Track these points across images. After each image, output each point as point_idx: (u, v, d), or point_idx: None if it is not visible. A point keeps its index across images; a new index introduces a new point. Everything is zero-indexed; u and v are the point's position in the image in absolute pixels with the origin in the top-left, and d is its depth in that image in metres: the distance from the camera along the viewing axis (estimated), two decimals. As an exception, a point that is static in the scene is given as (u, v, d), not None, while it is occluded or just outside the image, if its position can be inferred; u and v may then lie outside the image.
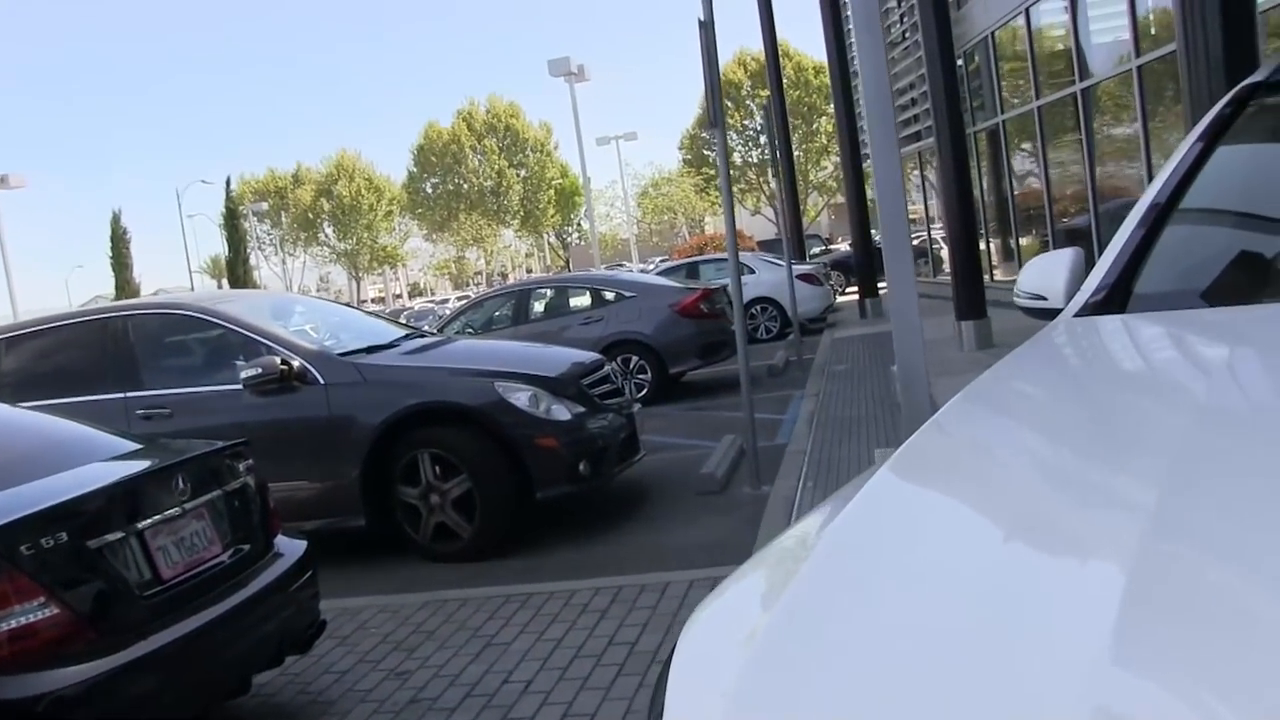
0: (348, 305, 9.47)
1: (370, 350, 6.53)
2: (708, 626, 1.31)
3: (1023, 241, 16.75)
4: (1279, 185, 2.43)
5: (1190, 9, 5.77)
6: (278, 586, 3.65)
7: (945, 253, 18.12)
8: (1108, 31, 12.68)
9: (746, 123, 51.37)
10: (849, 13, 22.31)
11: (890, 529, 1.31)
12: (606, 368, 7.12)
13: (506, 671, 4.13)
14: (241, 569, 3.57)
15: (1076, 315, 2.13)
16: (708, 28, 6.31)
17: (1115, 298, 2.13)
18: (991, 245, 17.45)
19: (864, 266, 20.04)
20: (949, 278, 13.38)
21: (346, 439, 6.00)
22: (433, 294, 72.26)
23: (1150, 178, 11.41)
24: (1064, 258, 2.40)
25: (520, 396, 6.08)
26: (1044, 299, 2.37)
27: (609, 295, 12.42)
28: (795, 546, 1.43)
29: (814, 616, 1.13)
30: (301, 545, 3.98)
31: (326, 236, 65.99)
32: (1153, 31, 11.34)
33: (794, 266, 16.24)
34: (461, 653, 4.41)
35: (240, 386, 6.05)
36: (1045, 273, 2.43)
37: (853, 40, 22.43)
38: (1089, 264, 2.41)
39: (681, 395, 11.90)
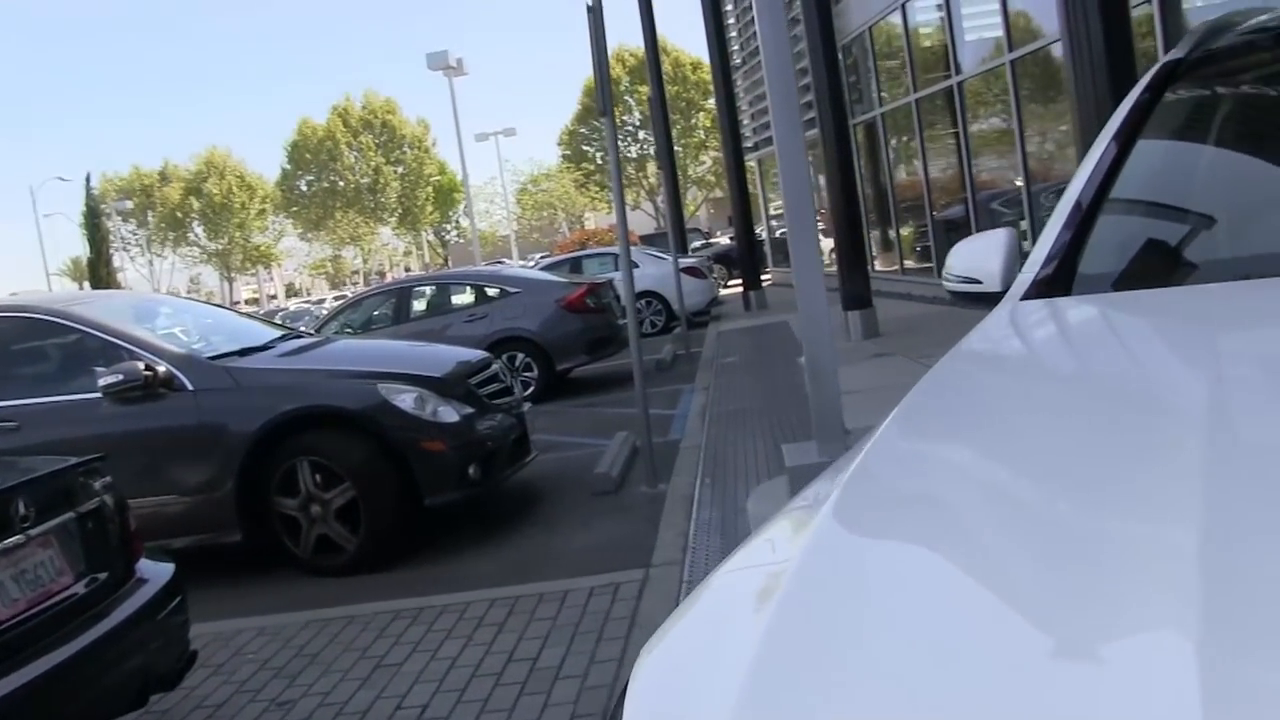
0: (219, 306, 8.99)
1: (244, 353, 6.17)
2: (661, 670, 1.11)
3: (902, 232, 17.01)
4: (1213, 157, 2.36)
5: (1073, 5, 5.95)
6: (141, 616, 3.29)
7: (824, 244, 18.33)
8: (982, 28, 12.93)
9: (625, 118, 51.30)
10: (729, 6, 22.47)
11: (872, 569, 1.10)
12: (494, 366, 6.88)
13: (399, 696, 3.85)
14: (98, 600, 3.20)
15: (1024, 298, 1.97)
16: (596, 12, 6.10)
17: (1060, 279, 1.99)
18: (871, 236, 17.67)
19: (747, 259, 20.13)
20: (831, 268, 13.47)
21: (219, 448, 5.62)
22: (309, 294, 70.48)
23: (1025, 168, 11.69)
24: (997, 239, 2.26)
25: (405, 399, 5.80)
26: (978, 282, 2.23)
27: (493, 292, 12.15)
28: (740, 585, 1.22)
29: (804, 661, 0.96)
30: (168, 569, 3.62)
31: (196, 236, 63.79)
32: (1025, 28, 11.59)
33: (679, 260, 16.19)
34: (349, 677, 4.11)
35: (99, 395, 5.62)
36: (978, 255, 2.29)
37: (733, 34, 22.67)
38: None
39: (570, 392, 11.69)
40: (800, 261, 3.96)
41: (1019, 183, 12.10)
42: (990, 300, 2.15)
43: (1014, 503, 1.12)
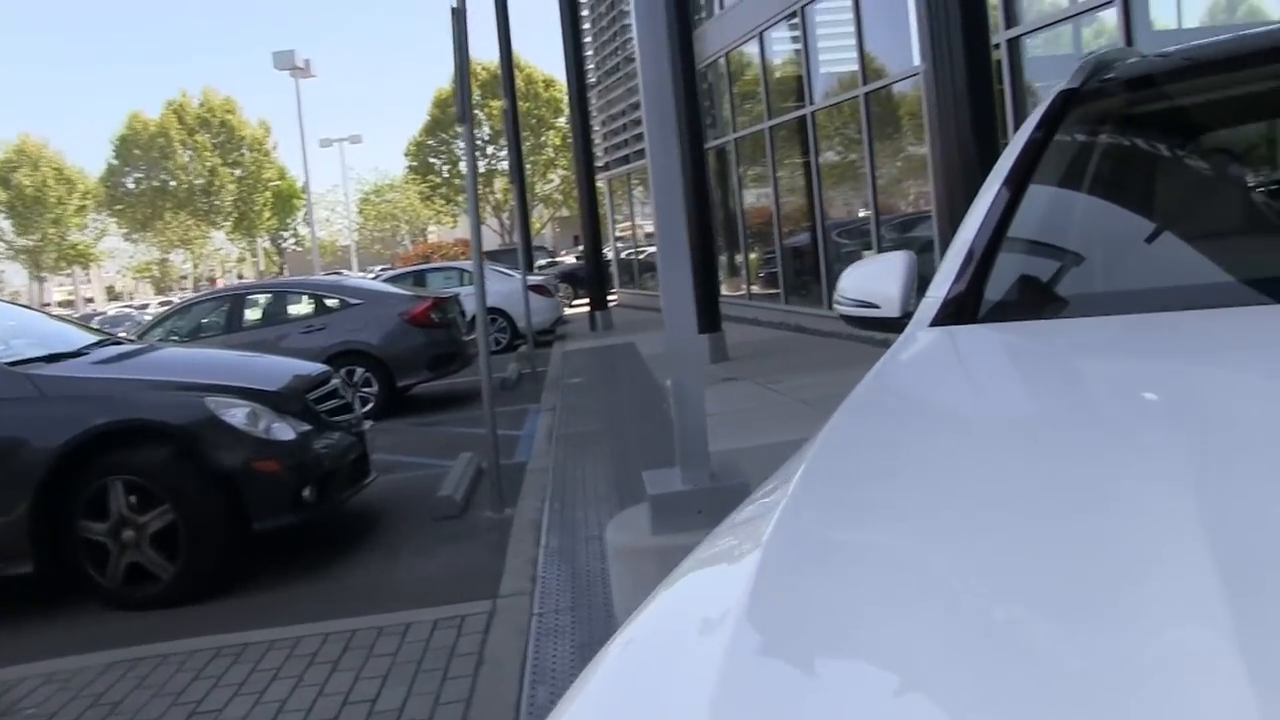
0: (25, 307, 8.28)
1: (52, 359, 5.65)
2: None
3: (750, 258, 17.19)
4: (1124, 180, 2.31)
5: (939, 40, 6.04)
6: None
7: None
8: (836, 62, 13.18)
9: (474, 131, 50.96)
10: (587, 25, 22.45)
11: (826, 626, 0.90)
12: (333, 381, 6.49)
13: (216, 747, 3.47)
14: None
15: (933, 325, 1.83)
16: (459, 14, 5.83)
17: (968, 306, 1.87)
18: (718, 261, 17.82)
19: (595, 279, 20.03)
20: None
21: (14, 465, 5.08)
22: (132, 298, 67.13)
23: (874, 200, 11.91)
24: (895, 262, 2.13)
25: (236, 414, 5.38)
26: (875, 306, 2.09)
27: (332, 302, 11.66)
28: (647, 664, 1.01)
29: None
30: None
31: (2, 230, 59.85)
32: (878, 63, 11.84)
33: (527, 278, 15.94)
34: (159, 726, 3.69)
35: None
36: (873, 278, 2.16)
37: (589, 53, 22.63)
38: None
39: (410, 410, 11.30)
40: (670, 284, 3.78)
41: (866, 213, 12.33)
42: (887, 325, 2.03)
43: (971, 597, 0.90)
